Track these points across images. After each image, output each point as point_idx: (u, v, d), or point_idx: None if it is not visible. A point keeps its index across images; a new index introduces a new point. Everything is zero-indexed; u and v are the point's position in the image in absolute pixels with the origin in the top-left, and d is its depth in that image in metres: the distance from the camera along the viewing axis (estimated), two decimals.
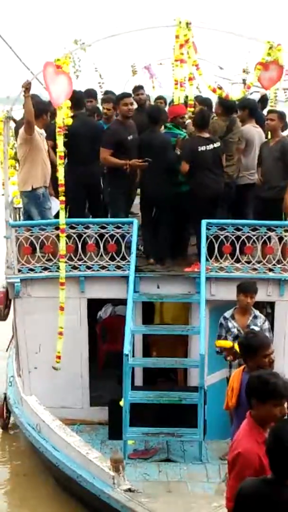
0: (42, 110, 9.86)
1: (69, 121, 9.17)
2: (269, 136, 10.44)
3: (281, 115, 10.07)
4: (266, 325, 8.22)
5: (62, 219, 9.13)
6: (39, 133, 9.67)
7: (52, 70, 8.57)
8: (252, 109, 10.33)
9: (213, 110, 10.59)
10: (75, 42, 9.81)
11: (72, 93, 8.89)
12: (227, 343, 8.08)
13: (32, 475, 9.31)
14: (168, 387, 9.85)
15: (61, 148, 8.92)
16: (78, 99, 9.87)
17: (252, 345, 6.35)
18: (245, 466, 4.56)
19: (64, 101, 8.72)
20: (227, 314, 8.29)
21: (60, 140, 8.87)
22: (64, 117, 8.92)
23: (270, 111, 9.85)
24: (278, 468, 4.07)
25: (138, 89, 13.07)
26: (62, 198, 9.01)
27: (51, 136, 9.46)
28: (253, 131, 10.32)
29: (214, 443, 9.02)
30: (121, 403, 8.68)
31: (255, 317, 8.16)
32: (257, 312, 8.25)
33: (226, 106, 9.85)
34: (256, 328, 7.86)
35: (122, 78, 16.77)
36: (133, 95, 12.58)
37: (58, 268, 9.36)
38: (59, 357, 9.31)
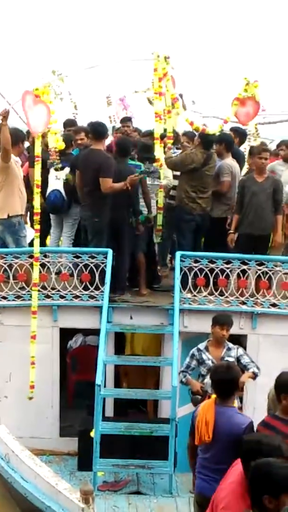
0: (18, 138, 9.88)
1: (62, 146, 9.21)
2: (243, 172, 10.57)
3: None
4: (241, 351, 8.17)
5: (37, 248, 9.13)
6: (15, 161, 9.68)
7: (30, 99, 8.61)
8: (228, 144, 10.41)
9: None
10: (53, 73, 9.87)
11: None
12: (196, 386, 8.06)
13: None
14: (139, 418, 9.81)
15: (37, 177, 8.94)
16: None
17: (222, 378, 6.36)
18: None
19: (45, 129, 8.77)
20: (201, 346, 8.28)
21: (37, 169, 8.91)
22: (56, 142, 8.99)
23: (264, 150, 9.91)
24: (259, 503, 4.07)
25: (125, 120, 13.16)
26: (37, 226, 9.01)
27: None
28: (235, 165, 10.43)
29: (184, 476, 8.92)
30: (92, 433, 8.63)
31: (229, 349, 8.15)
32: (230, 344, 8.24)
33: (206, 140, 9.91)
34: (231, 359, 7.86)
35: (97, 109, 16.83)
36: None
37: (31, 296, 9.34)
38: (32, 387, 9.24)
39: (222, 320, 8.17)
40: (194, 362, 8.23)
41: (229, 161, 10.35)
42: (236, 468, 4.81)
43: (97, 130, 9.79)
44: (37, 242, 9.14)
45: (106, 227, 9.75)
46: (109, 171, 9.48)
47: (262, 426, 5.86)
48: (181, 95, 11.21)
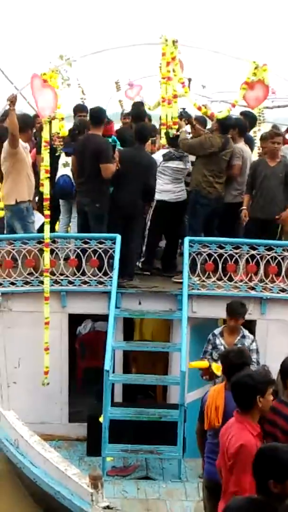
0: (27, 125, 9.86)
1: (65, 133, 9.22)
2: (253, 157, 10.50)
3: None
4: (254, 346, 8.17)
5: (47, 234, 9.11)
6: (23, 146, 9.65)
7: (39, 82, 8.59)
8: (242, 128, 10.37)
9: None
10: (61, 58, 9.81)
11: None
12: (203, 364, 8.05)
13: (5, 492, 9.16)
14: (148, 404, 9.82)
15: (46, 163, 8.91)
16: None
17: (233, 362, 6.34)
18: (249, 457, 4.71)
19: (53, 114, 8.76)
20: (217, 331, 8.28)
21: (46, 154, 8.88)
22: (60, 128, 8.98)
23: (276, 134, 9.89)
24: (264, 487, 4.07)
25: (138, 104, 13.18)
26: (47, 212, 8.99)
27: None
28: (247, 149, 10.38)
29: (193, 461, 8.91)
30: (101, 419, 8.64)
31: (243, 337, 8.13)
32: (246, 332, 8.21)
33: (224, 125, 9.88)
34: None
35: (106, 94, 16.81)
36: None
37: (40, 282, 9.35)
38: (47, 373, 9.28)
39: (231, 311, 8.15)
40: (210, 347, 8.25)
41: (241, 145, 10.30)
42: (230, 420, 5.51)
43: (95, 116, 9.86)
44: (47, 228, 9.11)
45: (107, 212, 9.80)
46: (109, 156, 9.54)
47: (269, 410, 5.84)
48: (189, 80, 11.17)
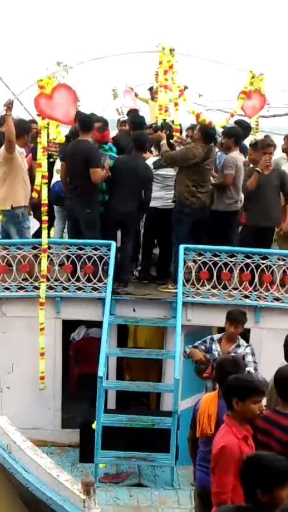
0: (23, 130, 9.87)
1: (62, 139, 9.24)
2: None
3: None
4: (248, 350, 8.18)
5: (44, 239, 9.13)
6: (20, 152, 9.66)
7: (44, 101, 8.60)
8: (237, 138, 10.36)
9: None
10: (58, 64, 9.84)
11: None
12: (198, 355, 8.07)
13: None
14: (141, 411, 9.82)
15: (44, 168, 8.93)
16: None
17: (228, 371, 6.34)
18: (230, 458, 4.84)
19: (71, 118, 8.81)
20: (216, 337, 8.31)
21: (44, 160, 8.89)
22: (57, 134, 8.99)
23: (269, 145, 9.91)
24: (252, 496, 4.07)
25: (131, 113, 13.24)
26: (45, 217, 9.00)
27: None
28: (242, 158, 10.38)
29: (185, 468, 8.91)
30: (94, 425, 8.63)
31: (238, 346, 8.14)
32: (242, 342, 8.21)
33: (207, 134, 9.80)
34: None
35: (102, 100, 16.88)
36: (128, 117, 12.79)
37: (34, 288, 9.35)
38: (42, 378, 9.30)
39: (231, 317, 8.17)
40: (202, 347, 8.24)
41: (235, 154, 10.25)
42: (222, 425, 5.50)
43: (84, 122, 9.88)
44: (45, 233, 9.17)
45: (99, 218, 9.85)
46: (99, 161, 9.61)
47: (263, 420, 5.84)
48: (185, 88, 11.19)
